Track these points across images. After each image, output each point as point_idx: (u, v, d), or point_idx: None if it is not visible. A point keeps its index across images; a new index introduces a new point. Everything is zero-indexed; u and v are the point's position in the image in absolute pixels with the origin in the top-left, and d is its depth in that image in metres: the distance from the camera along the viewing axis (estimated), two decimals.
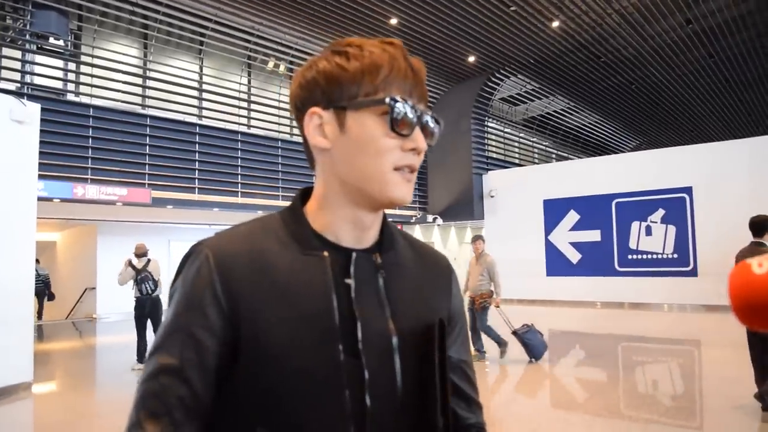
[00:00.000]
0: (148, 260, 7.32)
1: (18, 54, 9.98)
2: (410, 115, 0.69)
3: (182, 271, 0.71)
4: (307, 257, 0.71)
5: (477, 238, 7.32)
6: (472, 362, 0.87)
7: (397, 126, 0.68)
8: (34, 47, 10.00)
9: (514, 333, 6.88)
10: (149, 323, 7.08)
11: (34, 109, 6.30)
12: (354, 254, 0.72)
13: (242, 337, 0.66)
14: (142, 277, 7.17)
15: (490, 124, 17.77)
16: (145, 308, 7.11)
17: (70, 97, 10.52)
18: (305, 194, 0.79)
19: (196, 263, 0.69)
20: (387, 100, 0.68)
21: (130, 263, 7.26)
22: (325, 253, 0.71)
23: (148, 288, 7.15)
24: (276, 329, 0.66)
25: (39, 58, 10.15)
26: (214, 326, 0.66)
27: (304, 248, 0.71)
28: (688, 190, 12.38)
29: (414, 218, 16.72)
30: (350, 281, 0.71)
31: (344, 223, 0.73)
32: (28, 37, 9.84)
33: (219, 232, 0.73)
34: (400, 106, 0.68)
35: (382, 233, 0.78)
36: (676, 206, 12.53)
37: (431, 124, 0.73)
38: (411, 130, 0.69)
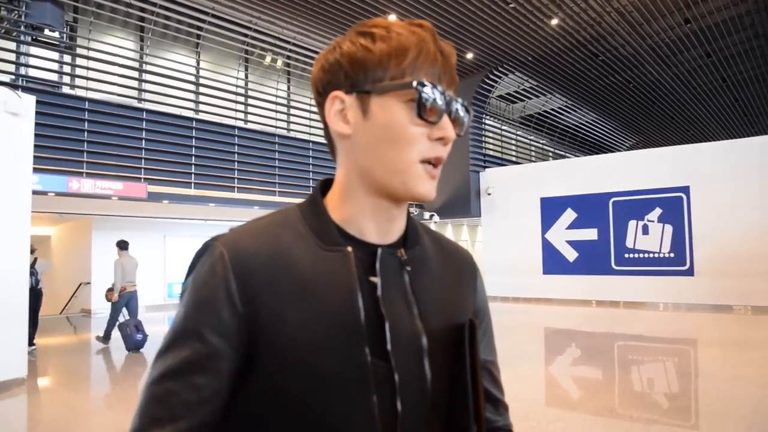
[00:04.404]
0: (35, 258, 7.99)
1: (13, 45, 9.84)
2: (439, 101, 0.64)
3: (194, 268, 0.65)
4: (329, 253, 0.66)
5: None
6: (497, 362, 0.83)
7: (425, 112, 0.63)
8: (29, 39, 9.89)
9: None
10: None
11: (29, 101, 6.21)
12: (379, 250, 0.68)
13: (261, 340, 0.61)
14: (32, 271, 7.60)
15: (488, 122, 17.74)
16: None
17: (66, 89, 10.41)
18: (326, 185, 0.74)
19: (209, 261, 0.64)
20: (414, 84, 0.63)
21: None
22: (349, 249, 0.66)
23: (32, 282, 7.59)
24: (298, 331, 0.61)
25: (34, 50, 10.02)
26: (228, 329, 0.61)
27: (325, 243, 0.67)
28: (686, 190, 12.38)
29: (411, 215, 16.66)
30: (376, 279, 0.66)
31: (367, 215, 0.69)
32: (23, 28, 9.71)
33: (234, 228, 0.68)
34: (428, 91, 0.63)
35: (406, 227, 0.74)
36: (673, 205, 12.53)
37: (461, 112, 0.68)
38: (439, 117, 0.65)
